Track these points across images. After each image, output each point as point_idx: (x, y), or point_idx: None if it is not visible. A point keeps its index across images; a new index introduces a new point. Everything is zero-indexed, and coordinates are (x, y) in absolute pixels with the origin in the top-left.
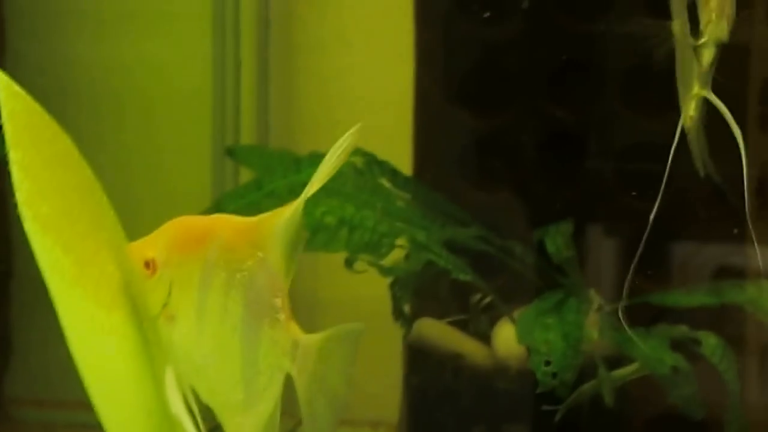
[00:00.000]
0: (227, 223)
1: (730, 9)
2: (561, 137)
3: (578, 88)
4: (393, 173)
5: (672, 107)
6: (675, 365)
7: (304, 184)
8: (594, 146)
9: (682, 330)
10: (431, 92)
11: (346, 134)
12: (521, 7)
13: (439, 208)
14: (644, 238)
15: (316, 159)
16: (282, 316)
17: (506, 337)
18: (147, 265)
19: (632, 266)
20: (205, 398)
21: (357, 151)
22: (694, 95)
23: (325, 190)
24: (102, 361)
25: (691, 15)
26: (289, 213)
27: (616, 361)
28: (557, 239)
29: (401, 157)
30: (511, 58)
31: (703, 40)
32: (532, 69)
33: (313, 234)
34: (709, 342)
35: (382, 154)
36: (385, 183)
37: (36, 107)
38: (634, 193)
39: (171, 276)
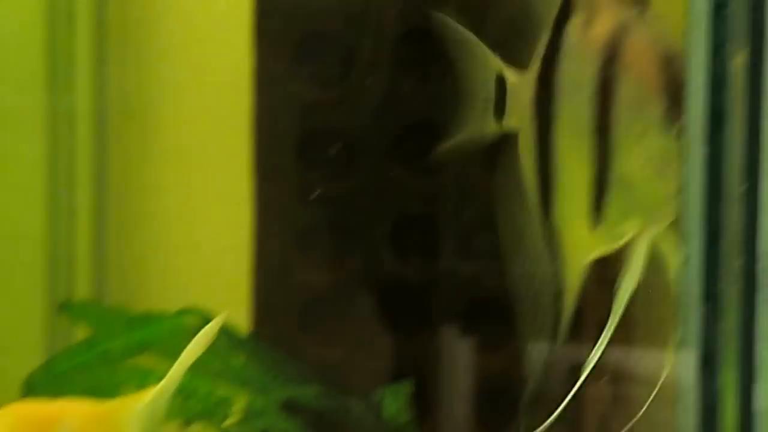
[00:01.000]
0: (76, 409)
1: None
2: (401, 292)
3: (418, 242)
4: (229, 333)
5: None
6: None
7: (137, 345)
8: (434, 302)
9: None
10: (270, 244)
11: (213, 321)
12: (362, 160)
13: (278, 366)
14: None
15: (150, 319)
16: None
17: None
18: None
19: None
20: None
21: (192, 311)
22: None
23: (157, 351)
24: None
25: None
26: (148, 399)
27: None
28: (395, 402)
29: (240, 310)
30: (351, 212)
31: None
32: (372, 222)
33: None
34: None
35: (220, 307)
36: (222, 342)
37: None
38: (475, 347)
39: None
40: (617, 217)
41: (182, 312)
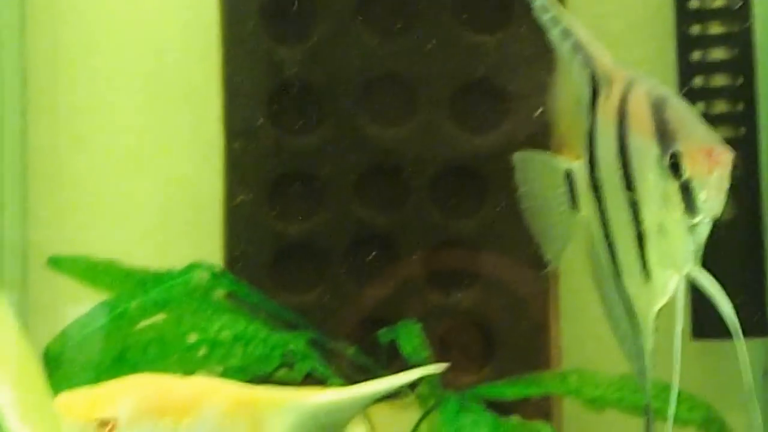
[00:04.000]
0: (220, 392)
1: (727, 183)
2: None
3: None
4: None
5: None
6: None
7: (154, 304)
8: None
9: (515, 420)
10: None
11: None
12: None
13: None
14: None
15: (160, 277)
16: None
17: None
18: (103, 424)
19: None
20: None
21: (200, 265)
22: (686, 274)
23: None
24: None
25: None
26: (311, 405)
27: None
28: (411, 340)
29: None
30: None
31: (700, 218)
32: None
33: (211, 350)
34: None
35: None
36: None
37: None
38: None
39: None
40: (657, 268)
41: (191, 267)
